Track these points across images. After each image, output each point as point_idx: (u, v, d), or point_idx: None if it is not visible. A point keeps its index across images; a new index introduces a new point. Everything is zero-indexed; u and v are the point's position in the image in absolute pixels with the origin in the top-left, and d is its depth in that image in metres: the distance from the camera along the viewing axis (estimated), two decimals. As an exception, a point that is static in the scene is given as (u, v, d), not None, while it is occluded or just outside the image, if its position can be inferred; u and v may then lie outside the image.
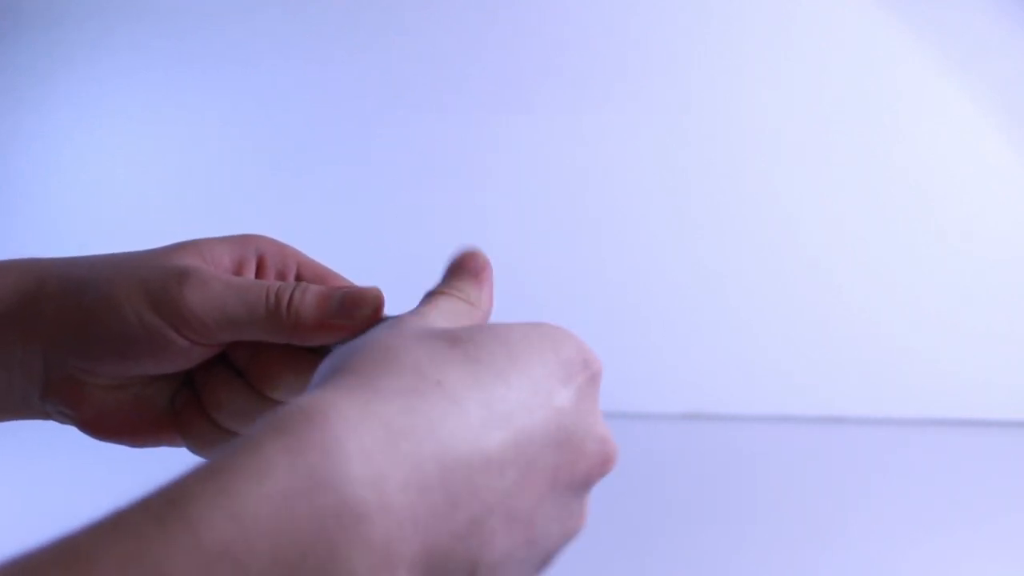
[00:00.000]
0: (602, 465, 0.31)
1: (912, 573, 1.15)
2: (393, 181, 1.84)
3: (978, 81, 1.61)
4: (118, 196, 1.98)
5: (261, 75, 1.89)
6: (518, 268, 1.72)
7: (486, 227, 1.79)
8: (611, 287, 1.73)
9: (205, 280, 0.39)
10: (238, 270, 0.42)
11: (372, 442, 0.26)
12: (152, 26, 1.91)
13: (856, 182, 1.66)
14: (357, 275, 0.43)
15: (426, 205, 1.81)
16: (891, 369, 1.64)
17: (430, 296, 0.36)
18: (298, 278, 0.43)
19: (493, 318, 0.37)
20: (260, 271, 0.43)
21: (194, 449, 0.42)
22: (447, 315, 0.34)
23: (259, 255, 0.43)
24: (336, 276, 0.43)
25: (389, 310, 0.39)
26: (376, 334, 0.31)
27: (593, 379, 0.32)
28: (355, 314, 0.38)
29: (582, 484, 0.31)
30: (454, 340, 0.30)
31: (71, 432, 0.42)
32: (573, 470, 0.30)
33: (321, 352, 0.38)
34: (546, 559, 0.31)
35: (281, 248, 0.44)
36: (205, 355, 0.40)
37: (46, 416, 0.42)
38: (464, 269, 0.38)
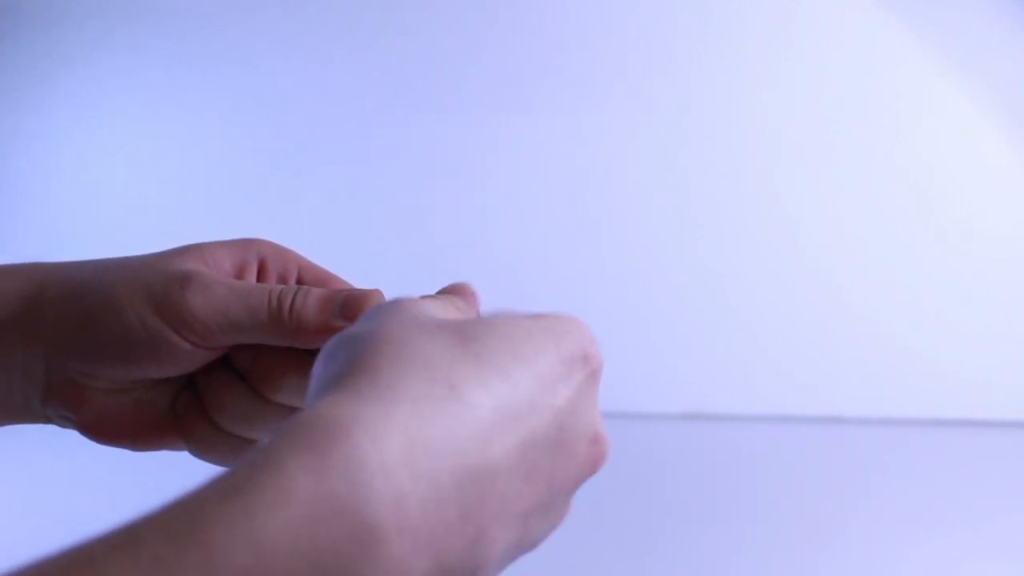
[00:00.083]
0: (592, 466, 0.32)
1: (912, 573, 1.15)
2: (393, 181, 1.84)
3: (978, 81, 1.61)
4: (118, 196, 1.98)
5: (261, 75, 1.89)
6: (518, 268, 1.72)
7: (486, 227, 1.79)
8: (611, 287, 1.73)
9: (207, 284, 0.39)
10: (239, 274, 0.42)
11: (393, 458, 0.26)
12: (152, 26, 1.91)
13: (856, 182, 1.66)
14: (357, 275, 0.44)
15: (426, 205, 1.81)
16: (891, 369, 1.64)
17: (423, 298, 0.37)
18: (299, 282, 0.43)
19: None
20: (261, 275, 0.43)
21: (196, 452, 0.42)
22: (440, 308, 0.35)
23: (260, 259, 0.43)
24: (337, 279, 0.44)
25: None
26: (380, 322, 0.31)
27: (593, 375, 0.32)
28: (357, 316, 0.38)
29: (573, 486, 0.31)
30: (460, 335, 0.30)
31: (71, 434, 0.42)
32: (567, 473, 0.31)
33: None
34: (528, 550, 0.31)
35: (282, 252, 0.44)
36: (207, 358, 0.40)
37: (47, 420, 0.42)
38: (454, 289, 0.39)
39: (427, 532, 0.26)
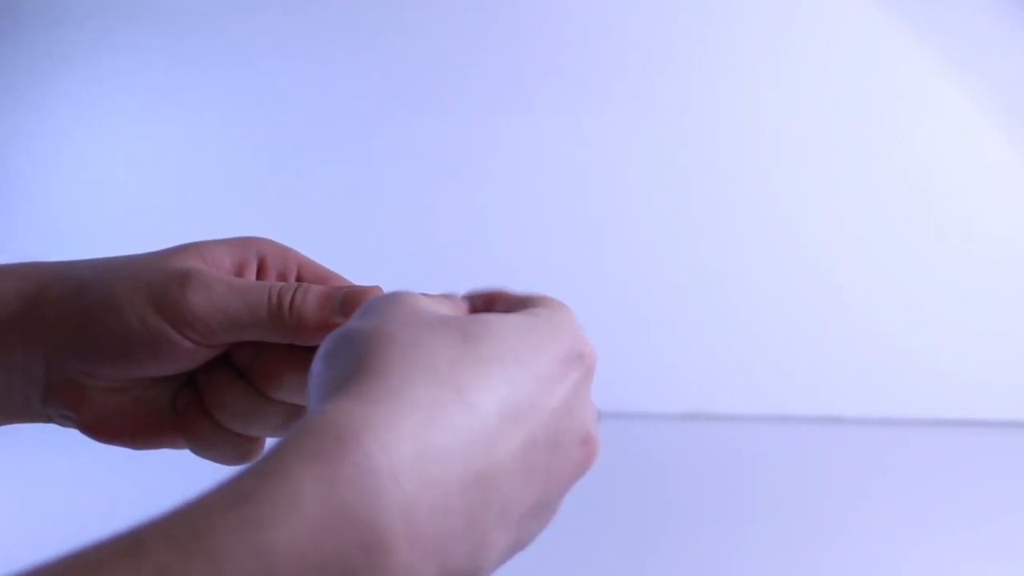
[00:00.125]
0: (584, 466, 0.32)
1: (912, 573, 1.15)
2: (393, 181, 1.84)
3: (978, 81, 1.62)
4: (118, 196, 1.98)
5: (261, 75, 1.89)
6: (518, 268, 1.72)
7: (486, 227, 1.79)
8: (611, 287, 1.73)
9: (207, 282, 0.39)
10: (239, 272, 0.42)
11: (403, 466, 0.26)
12: (152, 26, 1.91)
13: (856, 182, 1.66)
14: (357, 275, 0.44)
15: (426, 205, 1.81)
16: (891, 369, 1.65)
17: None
18: (299, 279, 0.43)
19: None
20: (261, 273, 0.43)
21: (196, 450, 0.42)
22: (436, 302, 0.34)
23: (260, 257, 0.43)
24: (337, 277, 0.43)
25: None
26: (381, 319, 0.31)
27: (587, 374, 0.32)
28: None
29: (566, 487, 0.32)
30: (462, 333, 0.30)
31: (71, 434, 0.42)
32: (561, 474, 0.31)
33: None
34: (520, 551, 0.31)
35: (282, 250, 0.44)
36: (207, 356, 0.40)
37: (47, 419, 0.42)
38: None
39: (435, 540, 0.26)
